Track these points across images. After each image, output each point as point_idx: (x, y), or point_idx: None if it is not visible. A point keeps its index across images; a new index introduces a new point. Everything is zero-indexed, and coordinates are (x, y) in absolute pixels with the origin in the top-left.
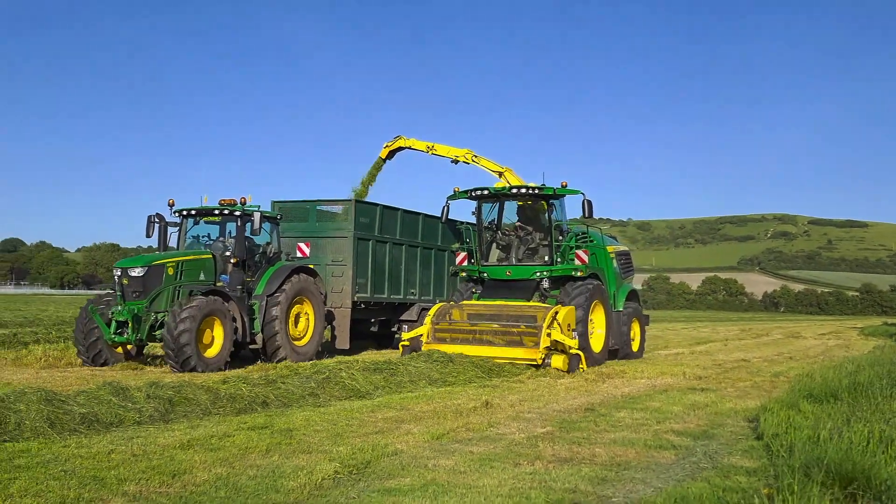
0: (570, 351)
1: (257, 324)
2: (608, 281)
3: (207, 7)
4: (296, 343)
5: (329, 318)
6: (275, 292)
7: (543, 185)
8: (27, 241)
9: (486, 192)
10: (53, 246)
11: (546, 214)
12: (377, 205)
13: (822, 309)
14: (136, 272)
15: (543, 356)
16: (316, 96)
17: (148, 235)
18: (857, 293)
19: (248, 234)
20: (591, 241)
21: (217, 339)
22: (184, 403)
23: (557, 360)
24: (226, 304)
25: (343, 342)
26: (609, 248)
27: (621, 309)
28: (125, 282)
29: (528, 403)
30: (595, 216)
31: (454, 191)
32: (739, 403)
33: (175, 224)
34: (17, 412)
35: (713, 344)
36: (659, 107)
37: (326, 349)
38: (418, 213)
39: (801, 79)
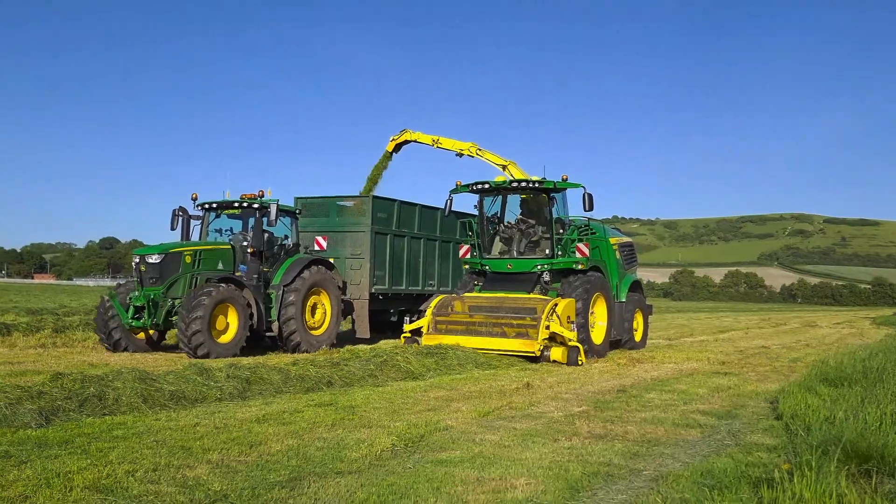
0: (569, 343)
1: (274, 312)
2: (610, 272)
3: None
4: (312, 332)
5: (349, 308)
6: (291, 282)
7: (544, 178)
8: (122, 240)
9: (486, 185)
10: (144, 244)
11: (548, 208)
12: (395, 200)
13: (836, 300)
14: (154, 259)
15: (542, 348)
16: (347, 103)
17: (172, 228)
18: (869, 286)
19: (265, 226)
20: (594, 234)
21: (232, 326)
22: (259, 382)
23: (557, 353)
24: (240, 291)
25: (363, 332)
26: (612, 240)
27: (624, 300)
28: (143, 268)
29: (565, 385)
30: (626, 216)
31: (456, 184)
32: (760, 386)
33: (198, 217)
34: (115, 389)
35: (735, 332)
36: (685, 114)
37: (348, 338)
38: (436, 208)
39: (816, 87)
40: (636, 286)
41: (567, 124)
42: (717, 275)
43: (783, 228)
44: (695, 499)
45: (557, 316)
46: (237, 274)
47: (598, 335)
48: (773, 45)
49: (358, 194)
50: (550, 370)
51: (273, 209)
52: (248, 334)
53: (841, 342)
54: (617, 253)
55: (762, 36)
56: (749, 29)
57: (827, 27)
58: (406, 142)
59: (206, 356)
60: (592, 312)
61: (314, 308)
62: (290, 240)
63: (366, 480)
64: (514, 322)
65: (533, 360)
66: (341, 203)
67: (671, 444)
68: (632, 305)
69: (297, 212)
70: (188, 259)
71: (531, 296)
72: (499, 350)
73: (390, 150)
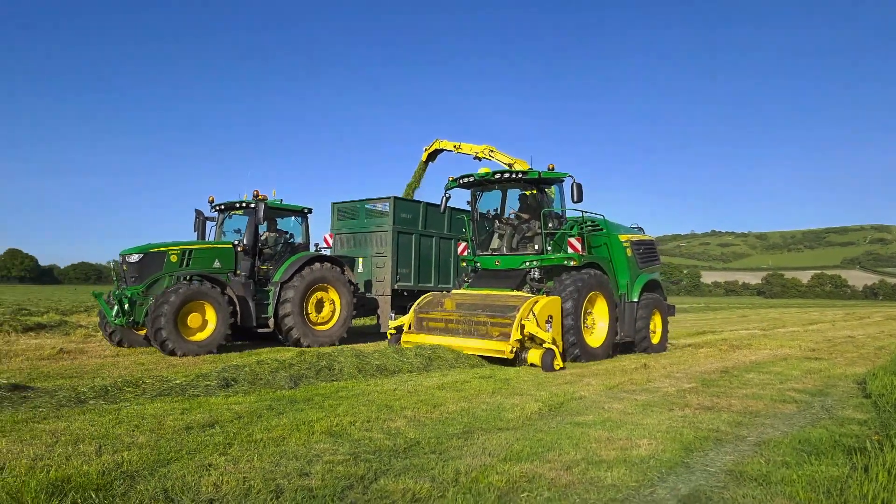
0: (545, 345)
1: (270, 308)
2: (617, 271)
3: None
4: (319, 327)
5: (373, 304)
6: (288, 279)
7: (530, 168)
8: None
9: (471, 178)
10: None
11: (539, 201)
12: (419, 202)
13: None
14: (133, 258)
15: (514, 349)
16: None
17: (195, 230)
18: None
19: (279, 226)
20: (599, 230)
21: (210, 323)
22: (438, 360)
23: (534, 356)
24: (218, 289)
25: (385, 326)
26: (622, 237)
27: (636, 300)
28: (125, 268)
29: (676, 366)
30: (722, 230)
31: (449, 180)
32: (849, 370)
33: (213, 219)
34: (339, 362)
35: (823, 324)
36: (774, 137)
37: (373, 332)
38: (465, 210)
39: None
40: (653, 286)
41: (670, 146)
42: (804, 277)
43: (864, 237)
44: (795, 462)
45: (534, 315)
46: (239, 273)
47: (596, 337)
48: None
49: (384, 196)
50: (662, 353)
51: (261, 208)
52: (230, 332)
53: None
54: (629, 251)
55: (855, 64)
56: (840, 56)
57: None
58: (438, 150)
59: (173, 353)
60: (590, 312)
61: (320, 304)
62: (295, 238)
63: (520, 436)
64: (491, 321)
65: (510, 362)
66: (369, 206)
67: (770, 416)
68: (647, 306)
69: (305, 211)
70: (173, 258)
71: (514, 293)
72: (473, 351)
73: (424, 160)
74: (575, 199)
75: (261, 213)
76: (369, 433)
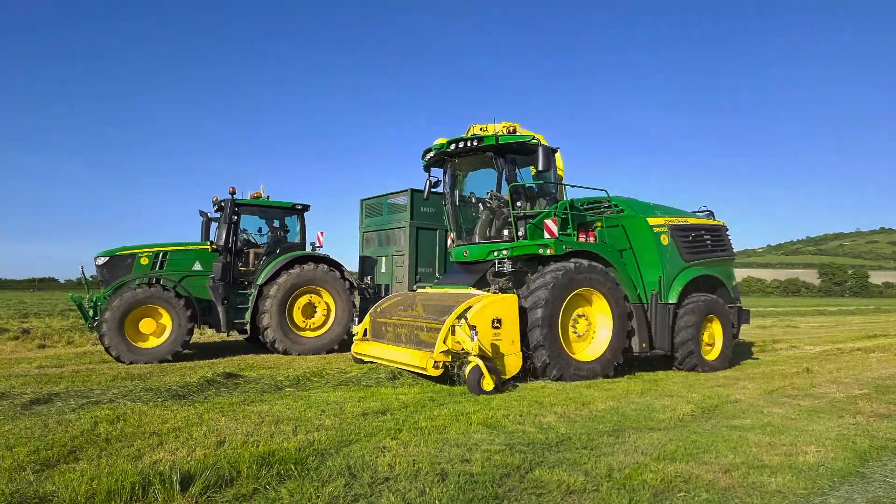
0: (469, 359)
1: (248, 313)
2: (642, 262)
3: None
4: (308, 333)
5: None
6: (267, 282)
7: (487, 133)
8: None
9: (431, 154)
10: None
11: (504, 173)
12: (445, 195)
13: None
14: (99, 262)
15: (437, 364)
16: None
17: (201, 231)
18: None
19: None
20: (618, 211)
21: (167, 329)
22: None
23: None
24: (175, 295)
25: None
26: (653, 220)
27: (673, 301)
28: (95, 272)
29: (844, 371)
30: (893, 226)
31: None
32: None
33: (216, 219)
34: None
35: None
36: None
37: None
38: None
39: None
40: (711, 284)
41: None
42: None
43: None
44: None
45: (465, 319)
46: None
47: (592, 349)
48: None
49: (403, 189)
50: (829, 357)
51: (227, 205)
52: (184, 346)
53: None
54: (664, 238)
55: None
56: None
57: None
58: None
59: (119, 359)
60: (582, 315)
61: (312, 308)
62: (285, 237)
63: (673, 436)
64: (427, 326)
65: (439, 379)
66: (391, 200)
67: None
68: (696, 310)
69: (298, 207)
70: (144, 261)
71: (467, 291)
72: (399, 365)
73: None
74: (540, 166)
75: (227, 210)
76: (522, 426)
